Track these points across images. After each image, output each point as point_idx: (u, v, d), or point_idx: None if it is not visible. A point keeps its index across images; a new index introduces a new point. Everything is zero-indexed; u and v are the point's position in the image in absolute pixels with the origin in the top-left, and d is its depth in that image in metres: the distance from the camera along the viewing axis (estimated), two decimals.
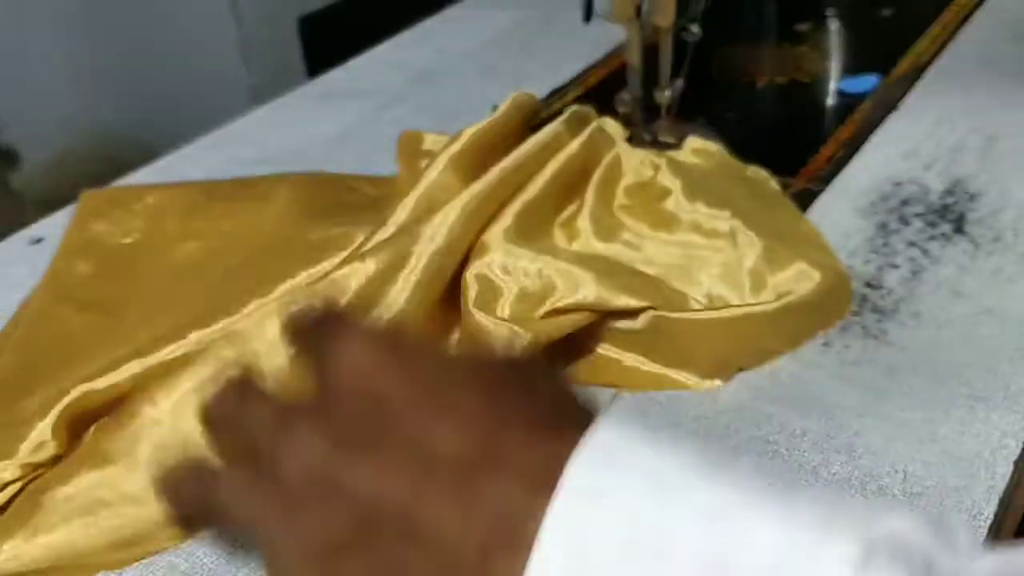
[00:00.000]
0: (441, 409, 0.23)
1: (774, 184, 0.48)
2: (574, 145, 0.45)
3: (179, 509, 0.25)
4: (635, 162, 0.46)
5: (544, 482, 0.21)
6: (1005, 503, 0.34)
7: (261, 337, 0.36)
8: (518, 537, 0.20)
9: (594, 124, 0.46)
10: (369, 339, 0.24)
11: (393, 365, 0.24)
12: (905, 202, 0.48)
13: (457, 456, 0.22)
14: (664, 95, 0.52)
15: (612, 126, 0.47)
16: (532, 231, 0.42)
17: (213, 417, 0.26)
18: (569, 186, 0.45)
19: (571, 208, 0.45)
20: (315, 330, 0.25)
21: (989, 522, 0.32)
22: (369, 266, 0.38)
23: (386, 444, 0.23)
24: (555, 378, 0.24)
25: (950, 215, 0.47)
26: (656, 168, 0.45)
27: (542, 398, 0.24)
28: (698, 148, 0.49)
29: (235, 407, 0.26)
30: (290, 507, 0.23)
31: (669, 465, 0.20)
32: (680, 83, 0.52)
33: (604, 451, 0.21)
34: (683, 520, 0.19)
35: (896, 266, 0.44)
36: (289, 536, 0.23)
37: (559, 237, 0.44)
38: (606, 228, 0.44)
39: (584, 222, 0.44)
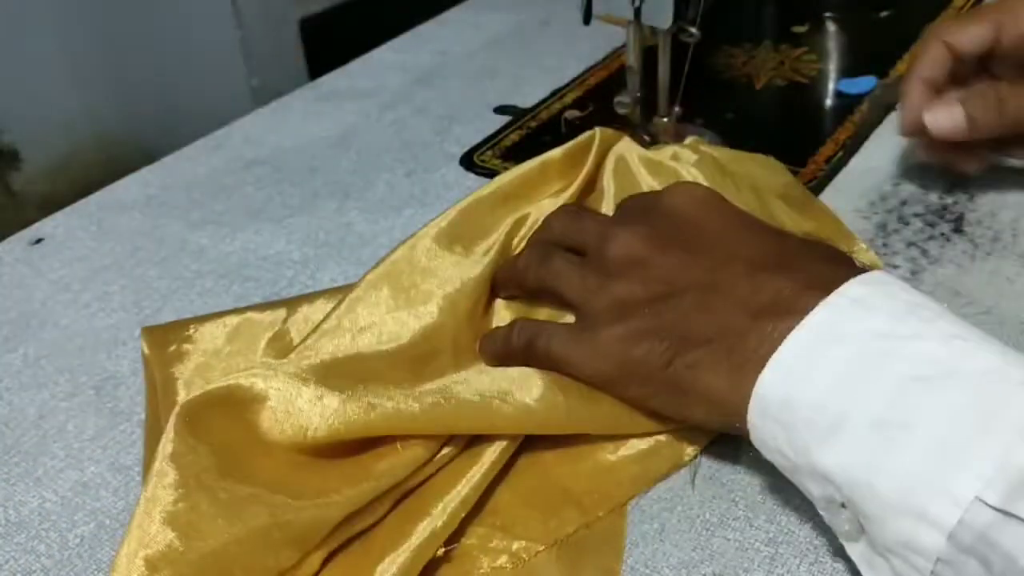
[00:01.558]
0: (745, 232, 0.31)
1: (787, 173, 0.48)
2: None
3: (519, 285, 0.37)
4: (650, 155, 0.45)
5: (821, 289, 0.27)
6: None
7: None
8: (788, 313, 0.27)
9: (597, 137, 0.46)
10: (700, 185, 0.34)
11: (713, 201, 0.33)
12: (904, 202, 0.49)
13: (751, 258, 0.30)
14: (663, 121, 0.53)
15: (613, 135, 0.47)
16: None
17: (553, 224, 0.38)
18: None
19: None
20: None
21: None
22: None
23: (694, 246, 0.32)
24: (829, 244, 0.33)
25: (949, 215, 0.47)
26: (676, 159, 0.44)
27: (826, 246, 0.32)
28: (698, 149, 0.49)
29: (571, 218, 0.38)
30: (608, 277, 0.33)
31: (929, 307, 0.27)
32: (678, 110, 0.53)
33: (877, 282, 0.28)
34: (929, 335, 0.26)
35: (895, 266, 0.44)
36: (603, 296, 0.33)
37: None
38: None
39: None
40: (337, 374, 0.35)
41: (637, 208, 0.36)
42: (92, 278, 0.48)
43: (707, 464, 0.35)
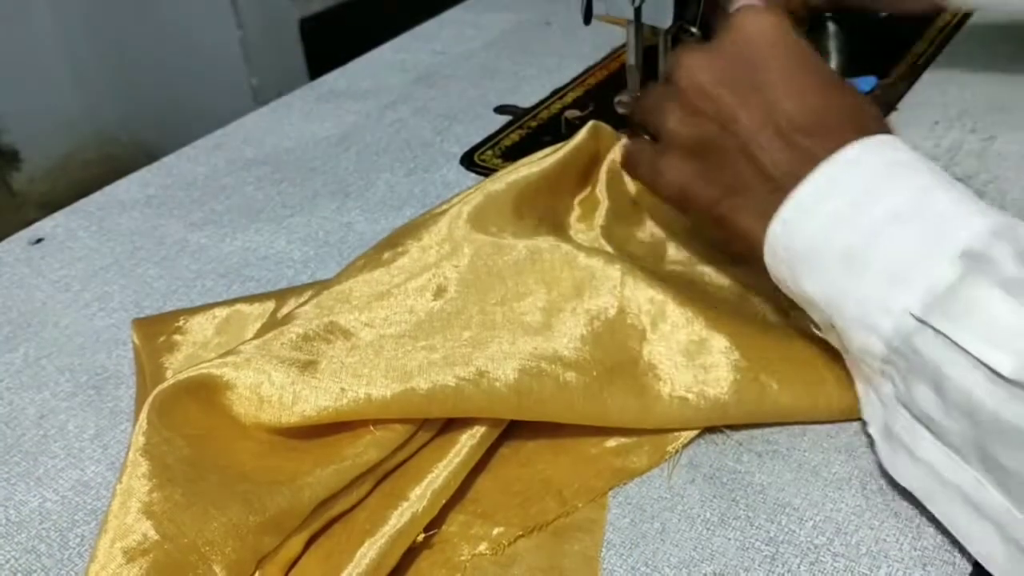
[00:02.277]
0: (795, 84, 0.35)
1: None
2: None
3: (637, 113, 0.42)
4: None
5: (836, 152, 0.33)
6: None
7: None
8: (805, 172, 0.33)
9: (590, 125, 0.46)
10: (775, 18, 0.37)
11: (781, 41, 0.37)
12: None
13: (792, 118, 0.35)
14: None
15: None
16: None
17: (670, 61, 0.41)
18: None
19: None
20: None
21: None
22: None
23: (749, 90, 0.36)
24: (865, 99, 0.37)
25: None
26: None
27: (859, 103, 0.36)
28: None
29: (672, 56, 0.41)
30: (675, 103, 0.38)
31: (911, 164, 0.33)
32: None
33: (874, 144, 0.34)
34: (902, 188, 0.32)
35: None
36: (669, 121, 0.38)
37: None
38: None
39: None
40: (309, 352, 0.35)
41: (718, 36, 0.40)
42: (92, 278, 0.48)
43: (707, 464, 0.35)
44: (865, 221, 0.32)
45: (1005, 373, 0.27)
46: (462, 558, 0.32)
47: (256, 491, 0.31)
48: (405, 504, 0.32)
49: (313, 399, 0.33)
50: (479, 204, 0.40)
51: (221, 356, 0.34)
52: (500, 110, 0.62)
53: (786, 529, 0.33)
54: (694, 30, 0.51)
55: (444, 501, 0.33)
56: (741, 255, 0.38)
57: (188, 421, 0.32)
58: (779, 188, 0.34)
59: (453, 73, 0.68)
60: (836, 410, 0.36)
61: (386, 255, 0.40)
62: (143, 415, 0.32)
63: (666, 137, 0.39)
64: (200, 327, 0.41)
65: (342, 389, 0.33)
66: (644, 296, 0.37)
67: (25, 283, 0.48)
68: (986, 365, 0.28)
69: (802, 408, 0.36)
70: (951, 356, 0.29)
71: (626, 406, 0.35)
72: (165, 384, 0.33)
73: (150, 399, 0.32)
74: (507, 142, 0.57)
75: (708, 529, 0.33)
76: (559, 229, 0.44)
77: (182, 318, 0.41)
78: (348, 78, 0.68)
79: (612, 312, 0.37)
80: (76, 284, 0.48)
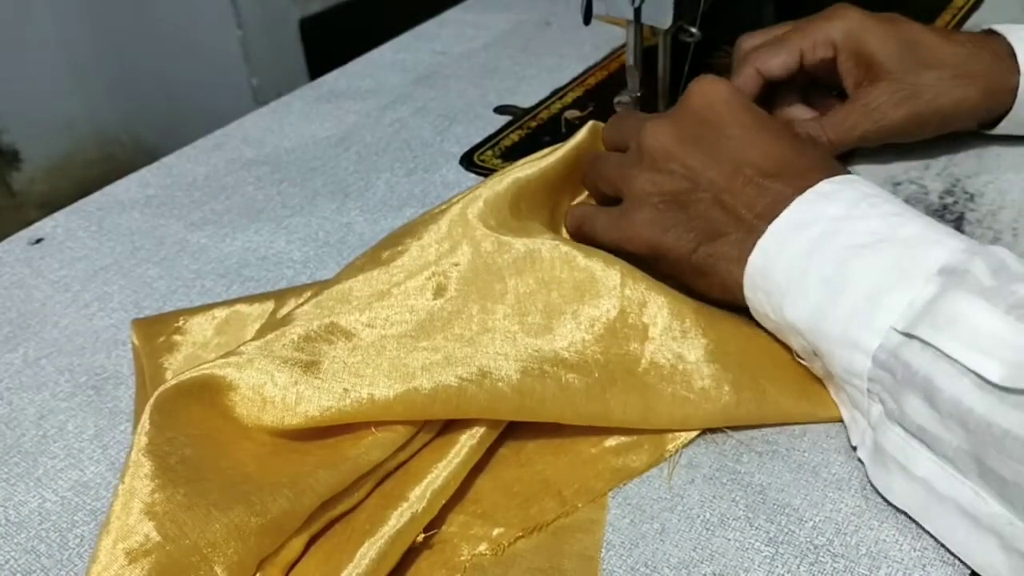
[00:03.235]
0: (757, 136, 0.38)
1: None
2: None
3: (589, 178, 0.44)
4: None
5: (807, 190, 0.36)
6: None
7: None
8: (778, 209, 0.36)
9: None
10: (726, 83, 0.40)
11: (735, 102, 0.40)
12: (905, 202, 0.48)
13: (759, 166, 0.37)
14: None
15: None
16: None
17: (605, 131, 0.46)
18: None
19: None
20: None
21: None
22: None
23: (712, 147, 0.38)
24: (824, 152, 0.41)
25: (949, 215, 0.47)
26: None
27: (820, 154, 0.39)
28: None
29: (616, 122, 0.45)
30: (641, 166, 0.40)
31: (879, 196, 0.35)
32: None
33: (843, 180, 0.36)
34: (872, 215, 0.34)
35: None
36: (637, 181, 0.40)
37: None
38: None
39: None
40: (311, 352, 0.35)
41: (675, 106, 0.42)
42: (92, 278, 0.48)
43: (707, 464, 0.35)
44: (842, 245, 0.34)
45: (995, 380, 0.28)
46: (462, 558, 0.32)
47: (258, 492, 0.30)
48: (405, 504, 0.32)
49: (316, 399, 0.33)
50: (479, 203, 0.40)
51: (223, 356, 0.34)
52: (500, 110, 0.62)
53: (786, 530, 0.33)
54: (694, 30, 0.51)
55: (444, 501, 0.33)
56: (720, 299, 0.39)
57: (190, 421, 0.32)
58: (753, 229, 0.36)
59: (453, 73, 0.68)
60: (835, 411, 0.36)
61: (385, 254, 0.40)
62: (145, 415, 0.32)
63: (633, 197, 0.40)
64: (200, 327, 0.41)
65: (344, 390, 0.33)
66: (644, 297, 0.37)
67: (25, 283, 0.48)
68: (975, 373, 0.28)
69: (801, 409, 0.36)
70: (940, 366, 0.29)
71: (628, 407, 0.35)
72: (167, 384, 0.33)
73: (152, 399, 0.32)
74: (507, 142, 0.57)
75: (708, 529, 0.33)
76: (558, 229, 0.44)
77: (181, 318, 0.41)
78: (348, 78, 0.68)
79: (613, 313, 0.37)
80: (76, 284, 0.48)
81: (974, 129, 0.50)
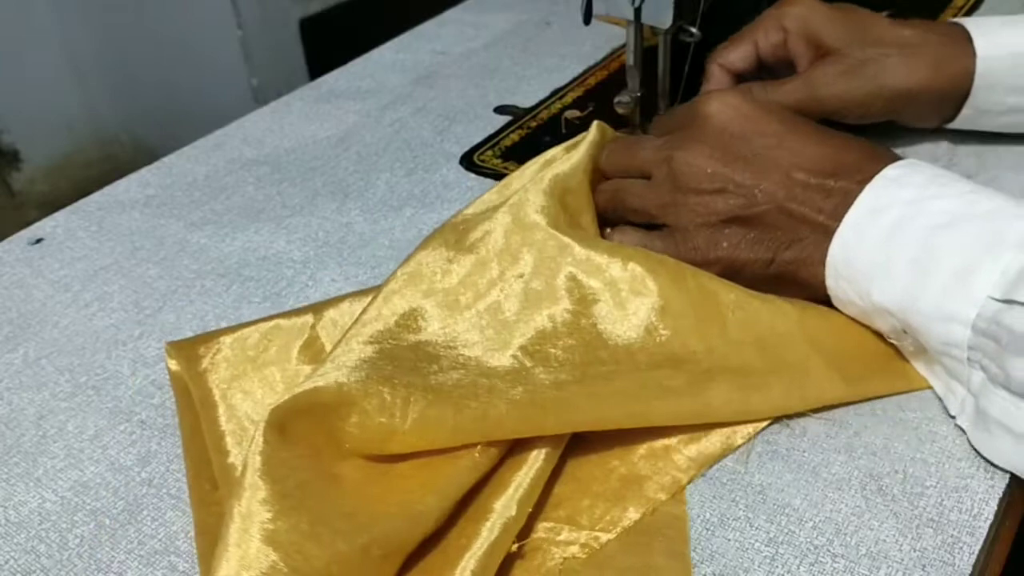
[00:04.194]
0: (798, 140, 0.38)
1: None
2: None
3: (610, 206, 0.43)
4: None
5: (872, 178, 0.36)
6: (1005, 503, 0.34)
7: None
8: (847, 206, 0.36)
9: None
10: (736, 93, 0.41)
11: (757, 111, 0.40)
12: None
13: (812, 168, 0.38)
14: None
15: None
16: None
17: (610, 160, 0.44)
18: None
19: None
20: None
21: (989, 522, 0.32)
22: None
23: (755, 159, 0.39)
24: (865, 140, 0.40)
25: None
26: None
27: (863, 143, 0.39)
28: None
29: (624, 152, 0.44)
30: (685, 193, 0.40)
31: (947, 176, 0.36)
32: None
33: (907, 165, 0.37)
34: (946, 195, 0.35)
35: None
36: (686, 209, 0.40)
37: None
38: None
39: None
40: (415, 370, 0.34)
41: (682, 127, 0.42)
42: (92, 278, 0.48)
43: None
44: (922, 226, 0.34)
45: None
46: (555, 563, 0.32)
47: (379, 522, 0.30)
48: (494, 516, 0.31)
49: (429, 414, 0.32)
50: (531, 203, 0.40)
51: (322, 371, 0.33)
52: (500, 110, 0.62)
53: (786, 530, 0.33)
54: (694, 30, 0.51)
55: (531, 509, 0.33)
56: (797, 297, 0.39)
57: (302, 440, 0.32)
58: (828, 230, 0.37)
59: (453, 73, 0.68)
60: (914, 381, 0.37)
61: (441, 273, 0.39)
62: (259, 434, 0.31)
63: (684, 223, 0.40)
64: (241, 346, 0.40)
65: (456, 405, 0.33)
66: (715, 293, 0.38)
67: (25, 283, 0.48)
68: None
69: (879, 384, 0.37)
70: None
71: (731, 401, 0.36)
72: (281, 401, 0.32)
73: (267, 416, 0.32)
74: (507, 142, 0.57)
75: (708, 530, 0.33)
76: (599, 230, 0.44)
77: (220, 338, 0.40)
78: (348, 78, 0.68)
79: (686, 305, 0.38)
80: (76, 284, 0.48)
81: (932, 123, 0.50)
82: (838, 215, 0.37)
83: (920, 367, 0.37)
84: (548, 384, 0.35)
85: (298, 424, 0.32)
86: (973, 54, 0.47)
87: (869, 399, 0.37)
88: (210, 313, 0.45)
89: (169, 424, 0.39)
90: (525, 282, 0.38)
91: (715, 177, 0.39)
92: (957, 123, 0.50)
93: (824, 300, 0.39)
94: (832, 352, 0.37)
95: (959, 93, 0.48)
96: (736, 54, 0.51)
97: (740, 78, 0.51)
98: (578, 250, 0.39)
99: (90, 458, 0.38)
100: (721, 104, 0.40)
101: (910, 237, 0.34)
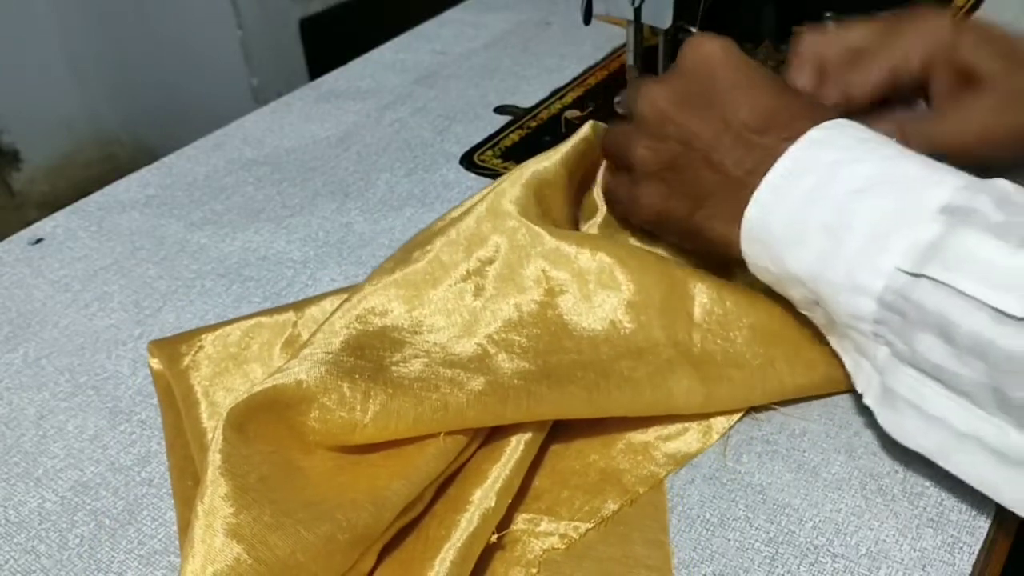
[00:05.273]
0: (745, 92, 0.37)
1: None
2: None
3: (603, 151, 0.44)
4: None
5: (795, 140, 0.35)
6: None
7: None
8: (769, 163, 0.35)
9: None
10: (720, 42, 0.39)
11: (728, 60, 0.38)
12: None
13: (746, 122, 0.36)
14: None
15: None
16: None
17: (628, 92, 0.45)
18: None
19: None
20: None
21: (989, 522, 0.32)
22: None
23: (705, 106, 0.38)
24: (814, 99, 0.40)
25: None
26: None
27: (809, 101, 0.38)
28: None
29: (630, 88, 0.47)
30: (640, 133, 0.39)
31: (873, 139, 0.35)
32: None
33: (834, 126, 0.35)
34: (867, 159, 0.34)
35: None
36: (635, 151, 0.39)
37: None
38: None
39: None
40: (374, 360, 0.34)
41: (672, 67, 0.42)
42: (92, 278, 0.48)
43: (707, 464, 0.35)
44: (840, 191, 0.33)
45: (1017, 313, 0.28)
46: (535, 555, 0.32)
47: (342, 509, 0.30)
48: (472, 506, 0.32)
49: (390, 407, 0.32)
50: (507, 195, 0.40)
51: (285, 367, 0.34)
52: (500, 110, 0.62)
53: (786, 530, 0.33)
54: (694, 30, 0.51)
55: (510, 499, 0.33)
56: (719, 259, 0.39)
57: (265, 436, 0.32)
58: (744, 186, 0.36)
59: (453, 73, 0.68)
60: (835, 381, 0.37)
61: (415, 257, 0.39)
62: (218, 432, 0.31)
63: (637, 167, 0.40)
64: (223, 343, 0.40)
65: (417, 396, 0.33)
66: (685, 284, 0.38)
67: (25, 283, 0.48)
68: (993, 307, 0.28)
69: (818, 378, 0.37)
70: (955, 303, 0.29)
71: (691, 392, 0.36)
72: (239, 400, 0.32)
73: (225, 416, 0.32)
74: (507, 142, 0.57)
75: (708, 530, 0.33)
76: (575, 219, 0.44)
77: (202, 336, 0.41)
78: (348, 78, 0.68)
79: (656, 298, 0.38)
80: (76, 284, 0.48)
81: None
82: (757, 172, 0.35)
83: (832, 341, 0.36)
84: (510, 373, 0.35)
85: (257, 421, 0.32)
86: None
87: (831, 393, 0.37)
88: (210, 313, 0.45)
89: None
90: (495, 269, 0.39)
91: (664, 119, 0.38)
92: None
93: (734, 264, 0.38)
94: (793, 343, 0.37)
95: None
96: (865, 81, 0.43)
97: (872, 106, 0.44)
98: (547, 239, 0.39)
99: (90, 458, 0.38)
100: (700, 49, 0.39)
101: (827, 201, 0.33)
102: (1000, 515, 0.33)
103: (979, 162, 0.39)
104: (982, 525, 0.32)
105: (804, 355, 0.37)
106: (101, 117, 1.66)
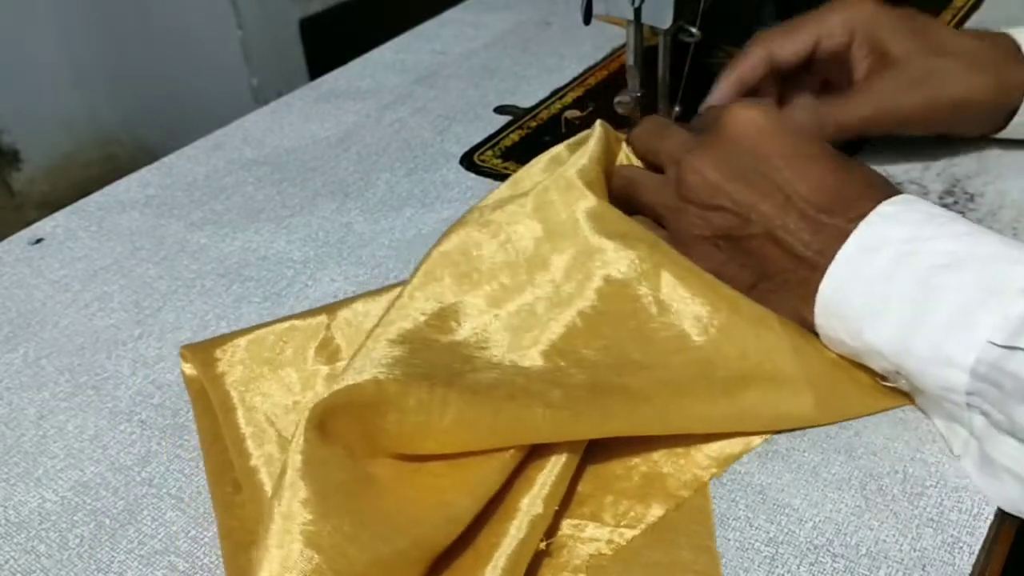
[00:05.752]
0: (803, 166, 0.37)
1: None
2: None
3: (624, 196, 0.43)
4: None
5: (868, 214, 0.35)
6: None
7: None
8: (841, 240, 0.35)
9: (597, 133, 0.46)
10: (761, 110, 0.39)
11: (775, 130, 0.39)
12: None
13: (809, 199, 0.37)
14: None
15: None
16: None
17: (638, 139, 0.45)
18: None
19: None
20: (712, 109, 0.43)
21: (989, 522, 0.32)
22: None
23: (758, 179, 0.38)
24: (871, 170, 0.39)
25: None
26: None
27: (867, 175, 0.38)
28: None
29: (653, 134, 0.44)
30: (686, 201, 0.40)
31: (945, 215, 0.35)
32: (678, 109, 0.53)
33: (903, 201, 0.36)
34: (944, 235, 0.34)
35: None
36: (684, 218, 0.40)
37: None
38: None
39: None
40: (437, 365, 0.34)
41: (705, 129, 0.42)
42: (92, 278, 0.48)
43: None
44: (921, 266, 0.33)
45: None
46: (582, 560, 0.32)
47: (416, 524, 0.30)
48: (520, 514, 0.32)
49: (466, 414, 0.32)
50: (592, 222, 0.40)
51: (358, 367, 0.33)
52: (500, 110, 0.62)
53: (786, 530, 0.33)
54: (694, 30, 0.51)
55: (557, 506, 0.33)
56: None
57: (339, 439, 0.32)
58: (814, 267, 0.36)
59: (453, 73, 0.68)
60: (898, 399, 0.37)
61: (465, 269, 0.39)
62: (300, 432, 0.31)
63: (683, 233, 0.40)
64: (257, 348, 0.40)
65: (495, 408, 0.33)
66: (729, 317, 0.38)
67: (25, 283, 0.48)
68: None
69: (865, 404, 0.37)
70: None
71: (765, 406, 0.36)
72: (321, 399, 0.32)
73: (308, 414, 0.31)
74: (507, 142, 0.57)
75: None
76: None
77: (235, 340, 0.40)
78: (348, 78, 0.68)
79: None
80: (76, 284, 0.48)
81: (982, 132, 0.50)
82: (826, 253, 0.36)
83: (919, 401, 0.36)
84: (584, 386, 0.35)
85: (337, 421, 0.32)
86: (1023, 62, 0.46)
87: (877, 411, 0.37)
88: (210, 313, 0.45)
89: (169, 424, 0.39)
90: (556, 285, 0.38)
91: (717, 192, 0.39)
92: (1004, 133, 0.49)
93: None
94: (842, 364, 0.37)
95: (1013, 103, 0.47)
96: (792, 46, 0.48)
97: (781, 71, 0.49)
98: (610, 253, 0.39)
99: (90, 458, 0.38)
100: (742, 117, 0.39)
101: (907, 276, 0.34)
102: (1000, 515, 0.33)
103: (892, 133, 0.47)
104: (982, 525, 0.32)
105: (873, 379, 0.37)
106: (101, 117, 1.66)
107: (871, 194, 0.36)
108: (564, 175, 0.41)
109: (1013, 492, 0.32)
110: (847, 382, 0.37)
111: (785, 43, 0.48)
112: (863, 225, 0.35)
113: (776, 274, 0.38)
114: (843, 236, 0.35)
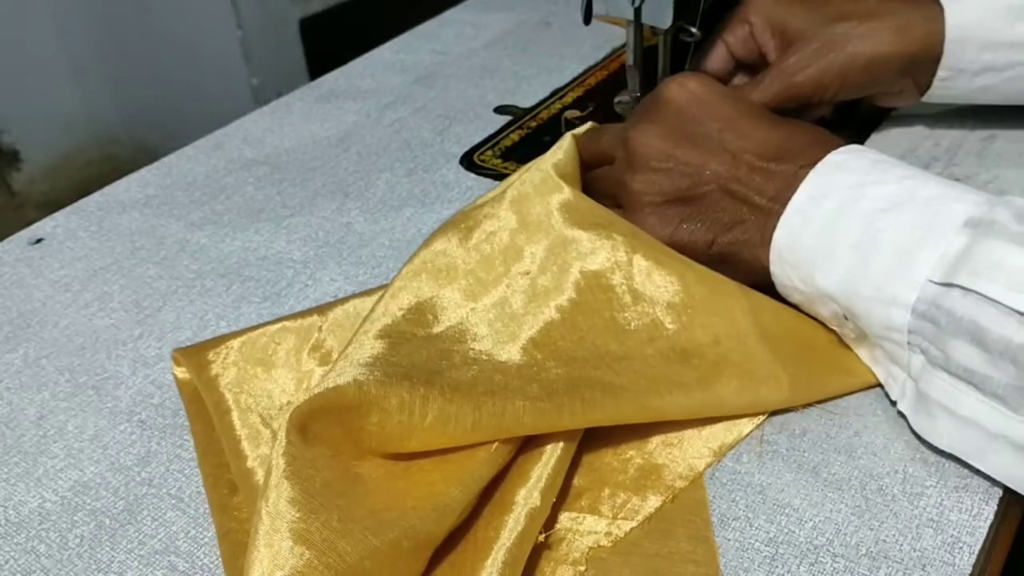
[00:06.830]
0: (745, 125, 0.39)
1: None
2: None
3: (594, 194, 0.42)
4: None
5: (813, 166, 0.37)
6: (1005, 503, 0.34)
7: None
8: (792, 189, 0.37)
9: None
10: (698, 78, 0.41)
11: (714, 96, 0.40)
12: None
13: (758, 152, 0.38)
14: None
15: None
16: None
17: (584, 151, 0.44)
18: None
19: None
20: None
21: (989, 522, 0.32)
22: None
23: (706, 141, 0.39)
24: (817, 127, 0.40)
25: None
26: None
27: (813, 130, 0.40)
28: None
29: (589, 140, 0.45)
30: (635, 171, 0.41)
31: (889, 162, 0.37)
32: None
33: (851, 150, 0.37)
34: (887, 180, 0.35)
35: None
36: (635, 186, 0.41)
37: None
38: None
39: None
40: (429, 368, 0.34)
41: (642, 109, 0.43)
42: (92, 278, 0.48)
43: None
44: (864, 211, 0.35)
45: None
46: (581, 553, 0.32)
47: (406, 516, 0.30)
48: (517, 507, 0.32)
49: (448, 411, 0.32)
50: (571, 216, 0.40)
51: (339, 369, 0.33)
52: (500, 110, 0.62)
53: (786, 530, 0.33)
54: (694, 30, 0.51)
55: (554, 498, 0.33)
56: (743, 282, 0.39)
57: (322, 440, 0.32)
58: (771, 212, 0.37)
59: (453, 73, 0.68)
60: (868, 377, 0.37)
61: (441, 264, 0.39)
62: (282, 435, 0.31)
63: (632, 201, 0.41)
64: (250, 350, 0.40)
65: (476, 404, 0.33)
66: (706, 296, 0.38)
67: (25, 283, 0.48)
68: (1021, 313, 0.30)
69: (838, 382, 0.38)
70: (985, 309, 0.31)
71: (740, 392, 0.36)
72: (302, 402, 0.32)
73: (288, 418, 0.31)
74: (507, 142, 0.57)
75: None
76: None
77: (227, 343, 0.40)
78: (348, 78, 0.68)
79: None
80: (76, 284, 0.48)
81: (915, 97, 0.50)
82: (780, 199, 0.37)
83: (862, 354, 0.38)
84: (561, 379, 0.35)
85: (318, 424, 0.32)
86: (941, 16, 0.46)
87: (833, 396, 0.37)
88: (210, 313, 0.45)
89: (169, 424, 0.39)
90: (532, 278, 0.39)
91: (664, 156, 0.40)
92: (936, 94, 0.49)
93: (763, 285, 0.39)
94: (827, 345, 0.38)
95: (931, 56, 0.47)
96: (710, 60, 0.52)
97: (724, 82, 0.51)
98: (584, 243, 0.39)
99: (90, 458, 0.38)
100: (678, 88, 0.41)
101: (852, 221, 0.35)
102: (1000, 515, 0.33)
103: (809, 102, 0.48)
104: (982, 525, 0.32)
105: (838, 359, 0.38)
106: (101, 117, 1.66)
107: (821, 142, 0.38)
108: (539, 168, 0.42)
109: (946, 428, 0.33)
110: (817, 363, 0.38)
111: (706, 59, 0.52)
112: (813, 173, 0.36)
113: (734, 225, 0.39)
114: (795, 181, 0.37)
